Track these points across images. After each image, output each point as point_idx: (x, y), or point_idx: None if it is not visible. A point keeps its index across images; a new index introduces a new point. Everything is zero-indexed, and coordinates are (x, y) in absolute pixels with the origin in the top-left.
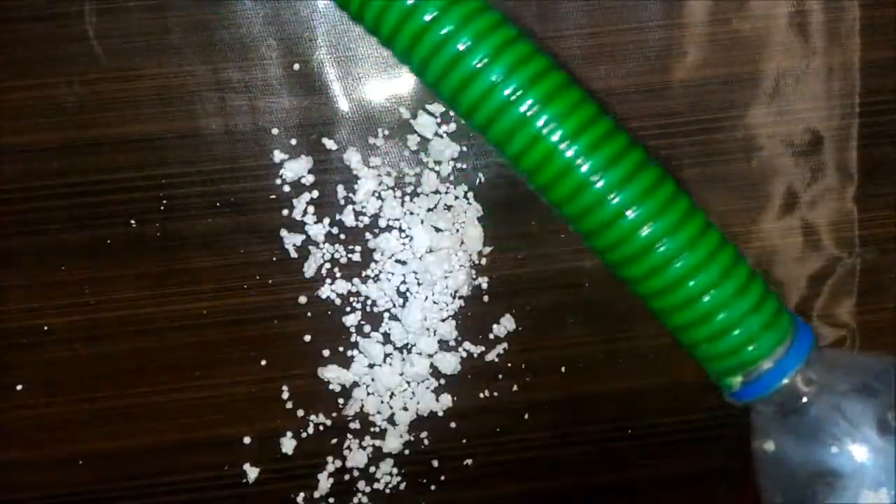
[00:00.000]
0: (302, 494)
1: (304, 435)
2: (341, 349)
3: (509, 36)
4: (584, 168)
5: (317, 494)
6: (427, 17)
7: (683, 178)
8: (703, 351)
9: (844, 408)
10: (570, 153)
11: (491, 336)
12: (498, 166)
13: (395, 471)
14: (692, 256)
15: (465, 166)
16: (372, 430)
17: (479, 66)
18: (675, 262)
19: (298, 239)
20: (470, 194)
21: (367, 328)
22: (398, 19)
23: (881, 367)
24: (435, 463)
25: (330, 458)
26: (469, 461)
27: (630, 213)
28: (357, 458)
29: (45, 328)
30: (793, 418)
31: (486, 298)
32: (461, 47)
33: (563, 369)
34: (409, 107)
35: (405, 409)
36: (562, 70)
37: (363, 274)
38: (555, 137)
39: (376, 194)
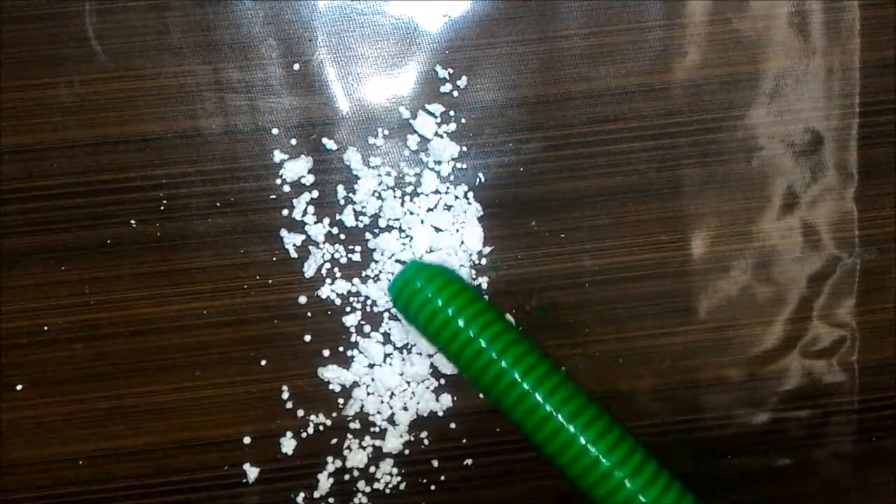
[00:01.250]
0: (302, 494)
1: (304, 435)
2: (341, 349)
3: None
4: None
5: (317, 494)
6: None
7: (683, 177)
8: None
9: None
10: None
11: None
12: (498, 166)
13: (395, 471)
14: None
15: (464, 166)
16: (372, 430)
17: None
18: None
19: (298, 239)
20: (470, 194)
21: (367, 328)
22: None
23: None
24: (435, 463)
25: (330, 458)
26: (469, 461)
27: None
28: (357, 458)
29: (45, 328)
30: None
31: (486, 298)
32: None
33: (562, 369)
34: (409, 107)
35: (405, 409)
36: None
37: (363, 274)
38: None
39: (376, 194)
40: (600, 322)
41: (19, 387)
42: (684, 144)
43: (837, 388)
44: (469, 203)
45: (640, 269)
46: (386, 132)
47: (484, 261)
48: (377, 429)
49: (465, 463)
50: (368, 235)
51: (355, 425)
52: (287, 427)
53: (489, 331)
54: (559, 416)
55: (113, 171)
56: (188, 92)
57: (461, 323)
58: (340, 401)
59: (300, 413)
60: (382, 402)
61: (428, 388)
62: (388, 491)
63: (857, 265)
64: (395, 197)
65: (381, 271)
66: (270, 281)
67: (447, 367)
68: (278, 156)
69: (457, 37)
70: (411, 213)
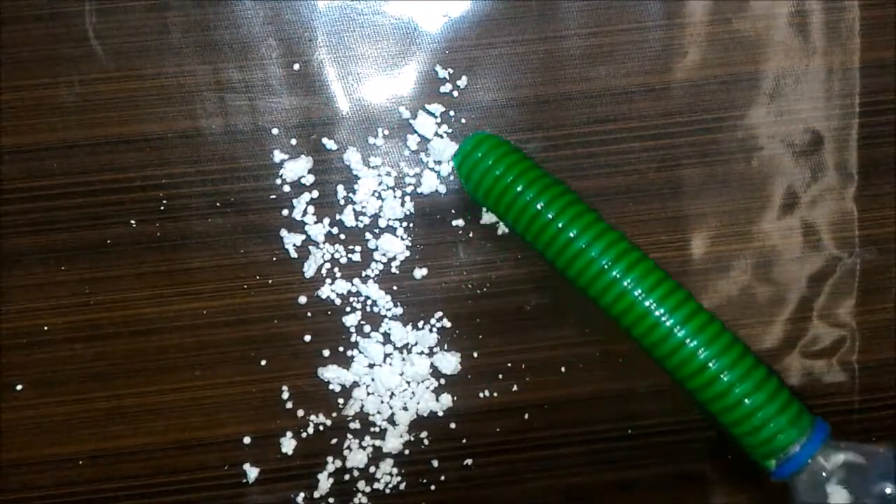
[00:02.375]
0: (302, 494)
1: (304, 435)
2: (341, 349)
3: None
4: (700, 353)
5: (317, 494)
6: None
7: (683, 177)
8: (747, 441)
9: (851, 482)
10: (687, 341)
11: (491, 336)
12: None
13: (395, 471)
14: (741, 379)
15: None
16: (372, 430)
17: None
18: (734, 387)
19: (298, 239)
20: None
21: (367, 328)
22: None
23: (878, 453)
24: (435, 463)
25: (330, 458)
26: (469, 461)
27: (712, 366)
28: (357, 458)
29: (45, 328)
30: (817, 492)
31: (485, 298)
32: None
33: (562, 369)
34: (409, 107)
35: (405, 409)
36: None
37: (363, 274)
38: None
39: (376, 194)
40: (600, 322)
41: (19, 387)
42: (684, 144)
43: (837, 388)
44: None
45: None
46: (386, 132)
47: None
48: (377, 429)
49: (465, 463)
50: (368, 235)
51: (355, 425)
52: (287, 427)
53: (557, 201)
54: (642, 299)
55: (113, 171)
56: (188, 92)
57: (520, 190)
58: (340, 401)
59: (300, 413)
60: (382, 402)
61: (428, 388)
62: (388, 491)
63: (857, 265)
64: (395, 197)
65: (380, 271)
66: (270, 281)
67: (447, 367)
68: (278, 156)
69: (457, 37)
70: (411, 213)
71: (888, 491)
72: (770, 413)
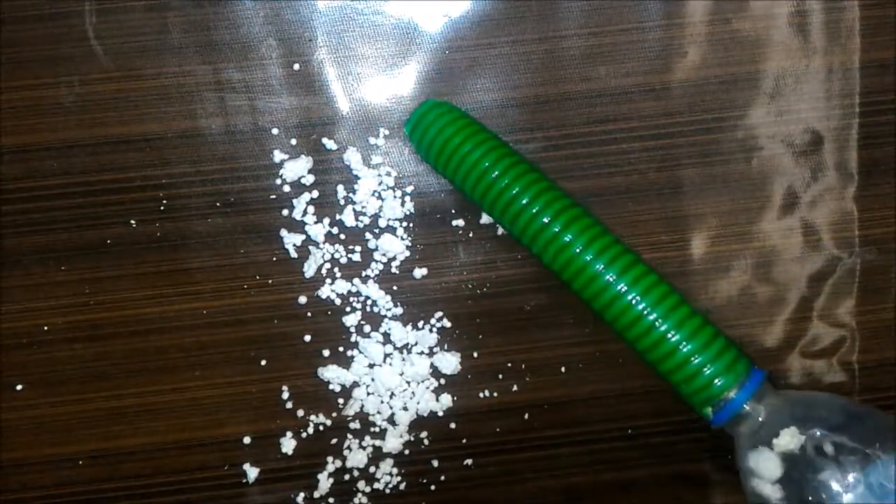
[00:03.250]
0: (302, 494)
1: (304, 435)
2: (341, 349)
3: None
4: (635, 303)
5: (317, 494)
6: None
7: (683, 177)
8: (685, 389)
9: (787, 426)
10: (640, 307)
11: (491, 336)
12: None
13: (395, 471)
14: (676, 328)
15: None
16: (372, 430)
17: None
18: (668, 335)
19: (298, 239)
20: None
21: (367, 328)
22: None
23: (816, 400)
24: (435, 463)
25: (330, 458)
26: (469, 461)
27: (647, 315)
28: (357, 458)
29: (45, 328)
30: (754, 436)
31: (485, 298)
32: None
33: (563, 369)
34: (409, 107)
35: (405, 409)
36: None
37: (363, 274)
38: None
39: (376, 194)
40: (600, 322)
41: (19, 387)
42: (684, 144)
43: (837, 388)
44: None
45: None
46: (386, 132)
47: None
48: (377, 429)
49: (465, 463)
50: (368, 235)
51: (355, 425)
52: (287, 427)
53: (503, 161)
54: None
55: (113, 171)
56: (188, 92)
57: (473, 152)
58: (340, 401)
59: (300, 413)
60: (382, 402)
61: (428, 388)
62: (388, 491)
63: (857, 265)
64: (394, 197)
65: (380, 271)
66: (270, 281)
67: (447, 367)
68: (278, 156)
69: (457, 37)
70: (411, 213)
71: (818, 434)
72: (705, 360)
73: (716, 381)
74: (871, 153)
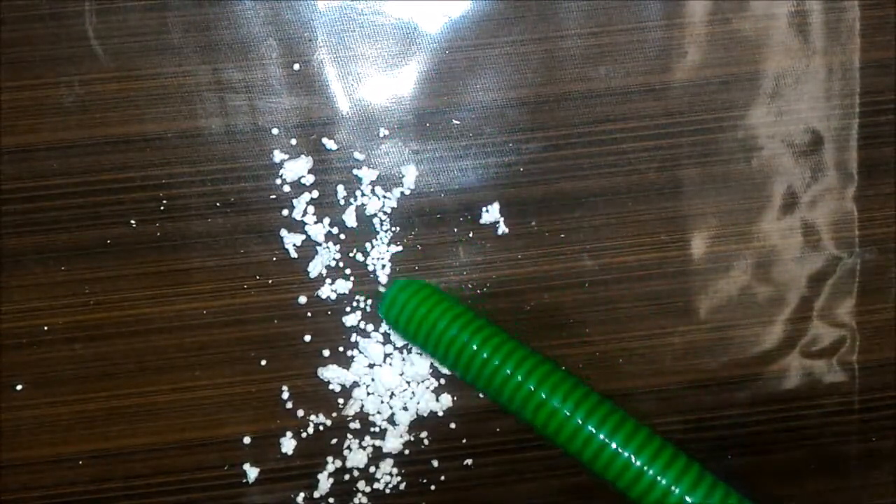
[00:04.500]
0: (302, 494)
1: (304, 435)
2: (341, 349)
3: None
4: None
5: (317, 494)
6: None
7: (683, 177)
8: None
9: None
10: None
11: None
12: (498, 166)
13: (395, 471)
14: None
15: (465, 166)
16: (372, 430)
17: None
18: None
19: (298, 239)
20: None
21: (367, 328)
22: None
23: None
24: (435, 463)
25: (330, 458)
26: (469, 461)
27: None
28: (357, 458)
29: (45, 328)
30: None
31: (485, 298)
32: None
33: (563, 369)
34: (409, 107)
35: (405, 409)
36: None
37: (363, 274)
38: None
39: (377, 194)
40: (600, 322)
41: (19, 387)
42: (684, 144)
43: (837, 388)
44: None
45: (640, 269)
46: (386, 132)
47: None
48: (377, 429)
49: (465, 463)
50: (368, 235)
51: (355, 425)
52: (287, 427)
53: (480, 334)
54: (581, 421)
55: (113, 171)
56: (188, 92)
57: (453, 329)
58: (340, 401)
59: (300, 413)
60: (382, 402)
61: (428, 388)
62: (388, 491)
63: (857, 265)
64: (394, 197)
65: (379, 269)
66: (270, 281)
67: (447, 368)
68: (278, 156)
69: (457, 37)
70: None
71: None
72: None
73: None
74: (871, 153)
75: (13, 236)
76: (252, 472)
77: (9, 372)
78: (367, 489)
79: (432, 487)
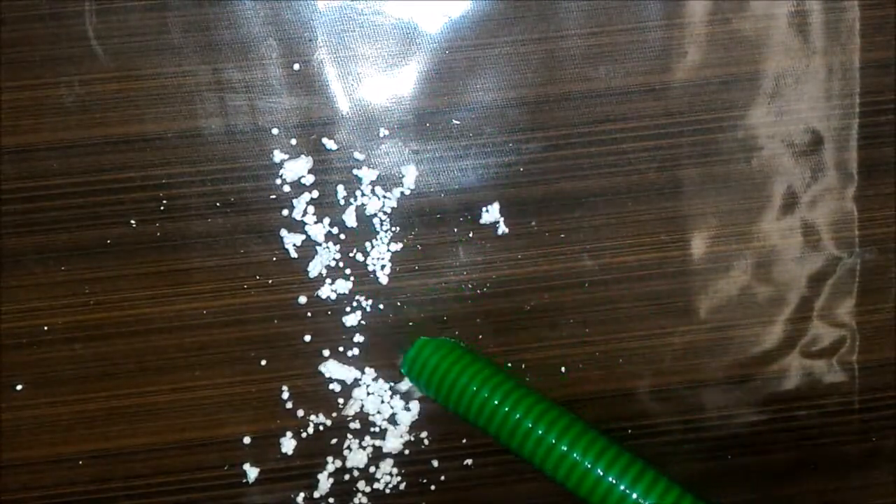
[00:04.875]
0: (302, 494)
1: (304, 435)
2: (341, 349)
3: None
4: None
5: (317, 494)
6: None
7: (683, 177)
8: None
9: None
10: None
11: (491, 336)
12: (498, 166)
13: (395, 471)
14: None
15: (465, 166)
16: (372, 430)
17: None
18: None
19: (298, 239)
20: None
21: (367, 328)
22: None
23: None
24: (435, 463)
25: (330, 458)
26: (469, 461)
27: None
28: (357, 458)
29: (45, 328)
30: None
31: (485, 298)
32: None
33: (563, 369)
34: (409, 107)
35: (406, 409)
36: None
37: (363, 274)
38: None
39: (377, 194)
40: (600, 322)
41: (19, 387)
42: (684, 144)
43: (837, 388)
44: None
45: (640, 269)
46: (386, 132)
47: None
48: (377, 429)
49: (465, 463)
50: (368, 235)
51: (355, 425)
52: (287, 427)
53: (501, 389)
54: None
55: (113, 171)
56: (188, 92)
57: (474, 387)
58: (340, 401)
59: (300, 413)
60: (383, 402)
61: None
62: (388, 491)
63: (857, 265)
64: (394, 197)
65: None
66: (270, 281)
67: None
68: (278, 156)
69: (457, 37)
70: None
71: None
72: None
73: None
74: (871, 153)
75: (13, 236)
76: (252, 472)
77: (9, 372)
78: (367, 489)
79: (432, 487)
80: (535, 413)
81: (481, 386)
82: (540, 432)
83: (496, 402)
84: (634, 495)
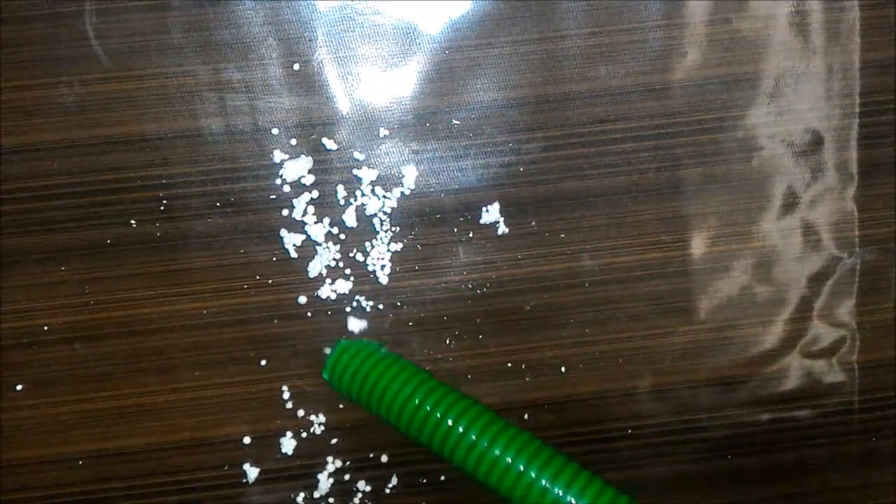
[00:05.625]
0: (302, 494)
1: (304, 435)
2: None
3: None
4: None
5: (317, 494)
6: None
7: (683, 177)
8: None
9: None
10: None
11: (491, 336)
12: (498, 166)
13: (395, 471)
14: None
15: (465, 166)
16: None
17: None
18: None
19: (298, 239)
20: None
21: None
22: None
23: None
24: (435, 463)
25: (330, 458)
26: None
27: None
28: (357, 457)
29: (45, 328)
30: None
31: (485, 298)
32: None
33: (563, 369)
34: (409, 107)
35: None
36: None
37: (363, 274)
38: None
39: (377, 194)
40: (600, 322)
41: (19, 387)
42: (684, 144)
43: (837, 388)
44: None
45: (640, 269)
46: (386, 132)
47: None
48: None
49: None
50: (368, 235)
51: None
52: (287, 427)
53: (421, 389)
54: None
55: (113, 171)
56: (188, 92)
57: (395, 387)
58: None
59: (300, 413)
60: None
61: None
62: (388, 491)
63: (857, 265)
64: (394, 197)
65: (381, 271)
66: (270, 281)
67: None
68: (278, 156)
69: (457, 37)
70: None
71: None
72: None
73: None
74: (871, 153)
75: (13, 236)
76: (252, 472)
77: (9, 372)
78: (367, 489)
79: (432, 487)
80: (456, 410)
81: (402, 386)
82: (460, 429)
83: (416, 401)
84: (544, 482)
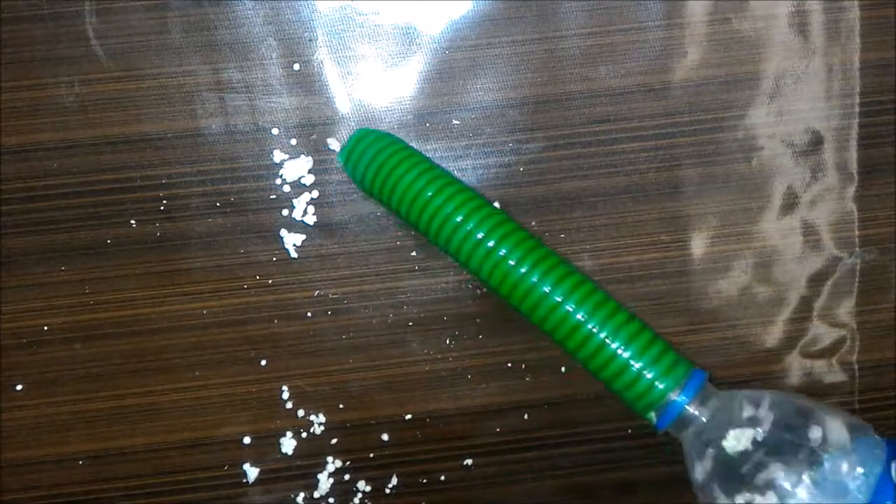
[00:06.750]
0: (302, 494)
1: (304, 435)
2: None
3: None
4: (574, 313)
5: (317, 494)
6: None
7: (683, 177)
8: (626, 395)
9: (733, 426)
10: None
11: (491, 336)
12: (498, 166)
13: (395, 471)
14: (613, 335)
15: (465, 166)
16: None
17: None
18: (605, 342)
19: (298, 239)
20: None
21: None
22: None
23: (763, 397)
24: (434, 463)
25: (330, 458)
26: (469, 461)
27: (586, 325)
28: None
29: (45, 328)
30: (701, 438)
31: (485, 298)
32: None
33: (563, 369)
34: (409, 107)
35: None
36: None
37: (363, 274)
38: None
39: None
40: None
41: (19, 387)
42: (684, 144)
43: (837, 388)
44: None
45: (640, 269)
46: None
47: None
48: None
49: (465, 463)
50: (368, 235)
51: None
52: (287, 427)
53: (440, 186)
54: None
55: (113, 171)
56: (188, 92)
57: (410, 178)
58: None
59: (300, 413)
60: None
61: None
62: (387, 491)
63: (857, 265)
64: None
65: (381, 271)
66: (270, 281)
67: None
68: (278, 156)
69: (457, 37)
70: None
71: (766, 432)
72: (644, 364)
73: (656, 384)
74: (871, 153)
75: (13, 236)
76: (252, 472)
77: (9, 372)
78: (367, 489)
79: (432, 487)
80: (467, 209)
81: (417, 177)
82: (469, 227)
83: (429, 194)
84: (559, 297)
